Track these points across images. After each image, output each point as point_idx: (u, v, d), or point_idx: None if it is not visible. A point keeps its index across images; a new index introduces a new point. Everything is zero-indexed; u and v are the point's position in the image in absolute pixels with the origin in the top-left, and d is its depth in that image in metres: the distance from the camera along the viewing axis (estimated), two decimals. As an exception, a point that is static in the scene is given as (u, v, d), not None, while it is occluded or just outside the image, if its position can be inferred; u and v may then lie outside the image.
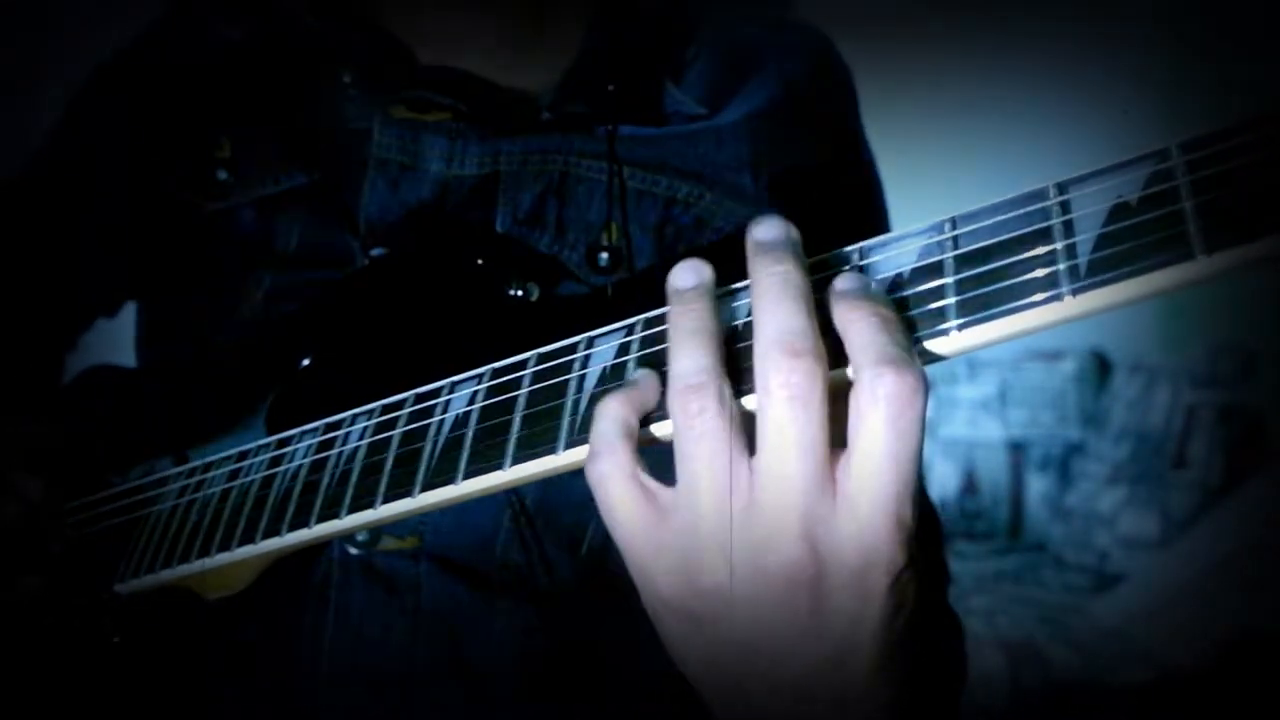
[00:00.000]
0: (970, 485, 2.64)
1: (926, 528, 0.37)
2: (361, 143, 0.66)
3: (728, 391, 0.36)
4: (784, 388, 0.34)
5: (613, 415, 0.38)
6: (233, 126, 0.69)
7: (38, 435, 0.64)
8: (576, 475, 0.63)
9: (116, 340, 0.79)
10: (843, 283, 0.37)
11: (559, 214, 0.64)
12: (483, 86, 0.68)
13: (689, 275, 0.39)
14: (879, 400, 0.33)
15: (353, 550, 0.62)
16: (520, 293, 0.60)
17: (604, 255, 0.63)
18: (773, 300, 0.36)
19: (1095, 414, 2.58)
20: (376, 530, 0.61)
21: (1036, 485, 2.62)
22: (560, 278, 0.63)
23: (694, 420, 0.36)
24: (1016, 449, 2.64)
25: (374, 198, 0.64)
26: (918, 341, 0.35)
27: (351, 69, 0.67)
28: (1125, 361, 2.57)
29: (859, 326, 0.35)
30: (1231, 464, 2.24)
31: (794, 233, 0.38)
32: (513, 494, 0.62)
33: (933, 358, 0.36)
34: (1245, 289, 2.23)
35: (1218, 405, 2.29)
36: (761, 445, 0.35)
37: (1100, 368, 2.63)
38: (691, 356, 0.37)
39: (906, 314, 0.36)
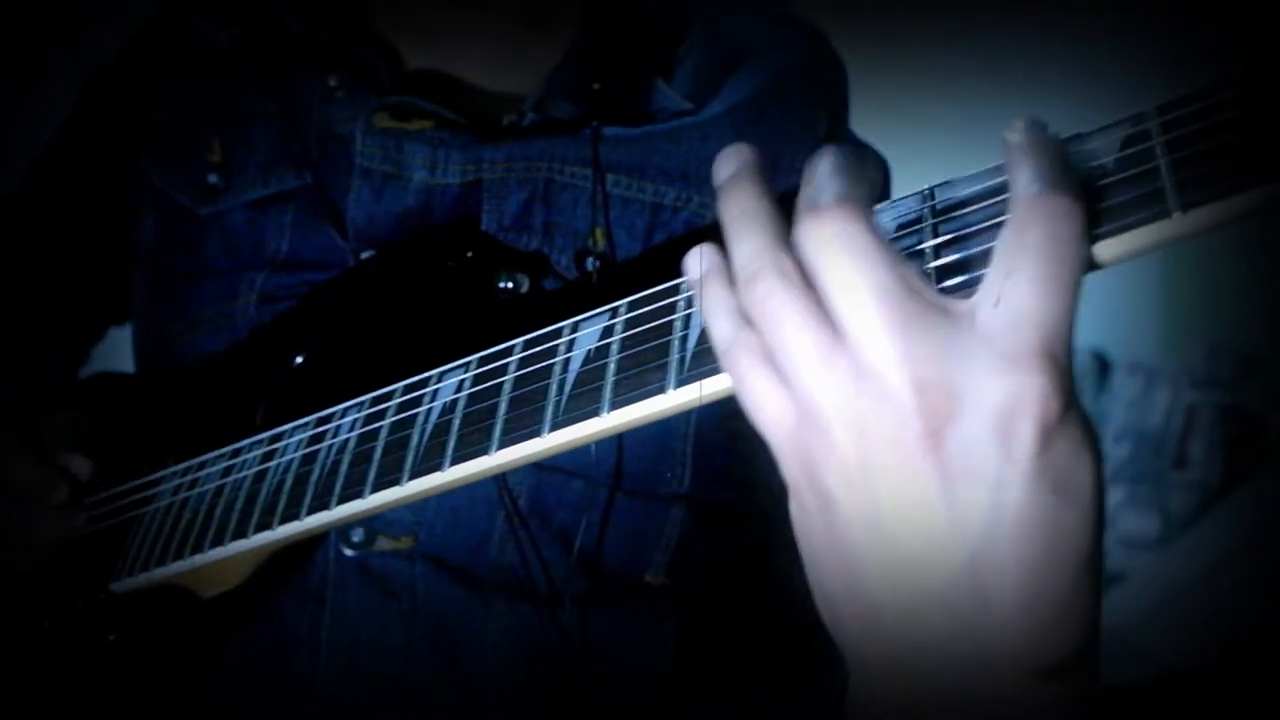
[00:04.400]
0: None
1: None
2: (348, 146, 0.65)
3: (789, 263, 0.33)
4: (827, 233, 0.31)
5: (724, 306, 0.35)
6: (222, 129, 0.69)
7: (74, 422, 0.64)
8: (570, 476, 0.63)
9: (118, 348, 0.79)
10: (1019, 124, 0.33)
11: (545, 220, 0.64)
12: (466, 91, 0.68)
13: (728, 161, 0.37)
14: (1034, 216, 0.30)
15: (348, 552, 0.62)
16: (510, 285, 0.60)
17: (591, 260, 0.63)
18: (810, 174, 0.34)
19: (1095, 414, 2.58)
20: (372, 532, 0.62)
21: (1036, 485, 2.61)
22: (549, 271, 0.63)
23: (764, 307, 0.33)
24: (1016, 449, 2.64)
25: (359, 206, 0.64)
26: None
27: (337, 73, 0.66)
28: (1125, 361, 2.57)
29: (1022, 155, 0.31)
30: (1231, 464, 2.23)
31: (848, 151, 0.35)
32: (506, 494, 0.62)
33: None
34: (1245, 289, 2.23)
35: (1218, 405, 2.29)
36: (836, 304, 0.31)
37: (1100, 368, 2.63)
38: (743, 243, 0.34)
39: None
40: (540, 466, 0.63)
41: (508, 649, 0.62)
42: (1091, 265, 0.32)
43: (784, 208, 0.38)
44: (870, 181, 0.33)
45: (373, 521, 0.62)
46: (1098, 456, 0.30)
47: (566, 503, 0.64)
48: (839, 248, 0.31)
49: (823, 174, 0.34)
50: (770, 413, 0.34)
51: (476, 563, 0.62)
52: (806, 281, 0.32)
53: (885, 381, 0.30)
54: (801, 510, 0.34)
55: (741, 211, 0.35)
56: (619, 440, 0.60)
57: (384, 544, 0.62)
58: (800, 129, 0.67)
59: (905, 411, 0.30)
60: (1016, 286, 0.29)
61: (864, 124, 0.73)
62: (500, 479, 0.62)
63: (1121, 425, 2.46)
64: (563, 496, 0.64)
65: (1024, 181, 0.31)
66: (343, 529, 0.61)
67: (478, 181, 0.64)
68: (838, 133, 0.70)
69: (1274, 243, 2.16)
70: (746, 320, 0.34)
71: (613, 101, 0.66)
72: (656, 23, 0.70)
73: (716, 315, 0.35)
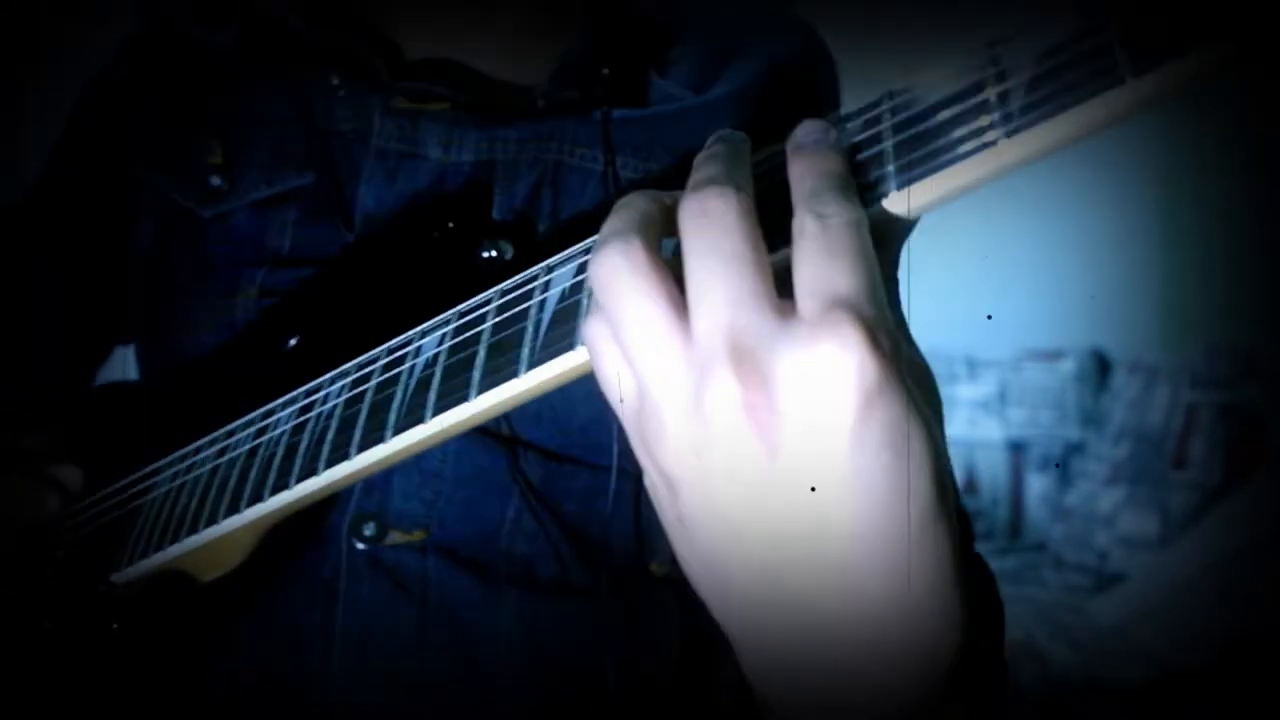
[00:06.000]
0: (970, 485, 2.63)
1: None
2: (351, 144, 0.66)
3: (639, 243, 0.33)
4: (697, 215, 0.32)
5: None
6: (224, 132, 0.69)
7: (59, 437, 0.65)
8: (579, 465, 0.64)
9: (123, 364, 0.80)
10: (795, 135, 0.36)
11: (554, 205, 0.64)
12: (478, 78, 0.68)
13: (717, 134, 0.37)
14: (805, 228, 0.32)
15: (360, 545, 0.62)
16: (494, 253, 0.60)
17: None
18: (693, 171, 0.35)
19: (1095, 414, 2.58)
20: (383, 525, 0.62)
21: (1036, 485, 2.61)
22: (533, 239, 0.63)
23: (606, 283, 0.33)
24: (1016, 449, 2.64)
25: (371, 189, 0.65)
26: (863, 204, 0.34)
27: (339, 71, 0.67)
28: (1125, 361, 2.57)
29: (798, 175, 0.34)
30: (1231, 464, 2.23)
31: (737, 135, 0.37)
32: (519, 473, 0.63)
33: (881, 222, 0.35)
34: (1245, 289, 2.23)
35: (1218, 405, 2.29)
36: (687, 281, 0.32)
37: (1100, 367, 2.63)
38: (604, 226, 0.35)
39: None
40: (549, 456, 0.63)
41: (520, 640, 0.62)
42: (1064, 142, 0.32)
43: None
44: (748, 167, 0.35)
45: (384, 515, 0.62)
46: (934, 405, 0.31)
47: (575, 493, 0.64)
48: (703, 223, 0.32)
49: (702, 159, 0.35)
50: (617, 391, 0.34)
51: (487, 553, 0.63)
52: (656, 261, 0.33)
53: (707, 352, 0.31)
54: (653, 489, 0.35)
55: (623, 200, 0.36)
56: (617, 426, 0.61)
57: (396, 537, 0.62)
58: (801, 114, 0.68)
59: (723, 383, 0.30)
60: (804, 273, 0.31)
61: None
62: (514, 463, 0.63)
63: (1121, 425, 2.46)
64: (571, 487, 0.64)
65: (801, 199, 0.33)
66: (354, 523, 0.62)
67: (490, 161, 0.65)
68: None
69: (1274, 242, 2.16)
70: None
71: (620, 86, 0.67)
72: (652, 21, 0.71)
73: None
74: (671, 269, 0.34)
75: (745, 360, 0.30)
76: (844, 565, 0.30)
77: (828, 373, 0.29)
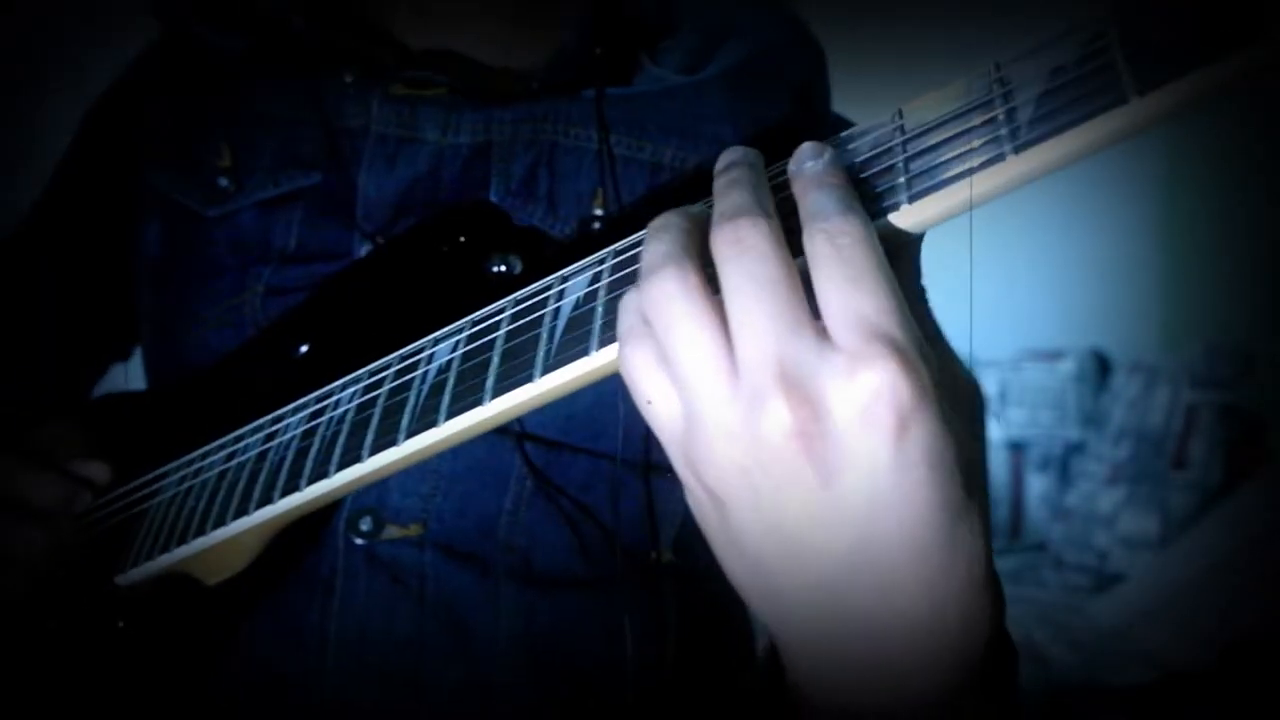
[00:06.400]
0: (970, 485, 2.64)
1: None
2: (357, 137, 0.66)
3: (691, 267, 0.34)
4: (732, 244, 0.34)
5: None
6: (232, 133, 0.69)
7: (67, 433, 0.65)
8: (576, 452, 0.64)
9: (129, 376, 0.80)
10: (796, 158, 0.37)
11: (550, 187, 0.65)
12: (476, 66, 0.69)
13: (731, 153, 0.39)
14: (816, 244, 0.33)
15: (357, 540, 0.62)
16: (503, 268, 0.60)
17: (597, 225, 0.64)
18: (717, 195, 0.36)
19: (1095, 414, 2.58)
20: (380, 520, 0.62)
21: (1036, 485, 2.62)
22: (542, 250, 0.64)
23: (659, 308, 0.34)
24: (1016, 449, 2.64)
25: (371, 176, 0.65)
26: (875, 217, 0.35)
27: (348, 70, 0.67)
28: (1125, 361, 2.57)
29: (800, 194, 0.35)
30: (1231, 464, 2.23)
31: (751, 154, 0.39)
32: (528, 463, 0.63)
33: (893, 235, 0.36)
34: (1245, 289, 2.24)
35: (1218, 405, 2.29)
36: (728, 310, 0.33)
37: (1100, 368, 2.64)
38: (653, 248, 0.36)
39: (862, 197, 0.36)
40: (547, 444, 0.64)
41: (518, 635, 0.62)
42: (1060, 164, 0.33)
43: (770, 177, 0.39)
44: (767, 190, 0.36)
45: (381, 510, 0.62)
46: (966, 412, 0.33)
47: (573, 481, 0.64)
48: (739, 251, 0.33)
49: (724, 184, 0.36)
50: (661, 412, 0.35)
51: (485, 547, 0.63)
52: (706, 289, 0.34)
53: (757, 380, 0.32)
54: (698, 504, 0.36)
55: (662, 223, 0.37)
56: (623, 411, 0.61)
57: (393, 532, 0.62)
58: (789, 97, 0.69)
59: (776, 413, 0.32)
60: (828, 296, 0.32)
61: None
62: (521, 450, 0.63)
63: (1121, 425, 2.46)
64: (569, 475, 0.64)
65: (809, 216, 0.34)
66: (351, 519, 0.62)
67: (487, 144, 0.65)
68: (823, 113, 0.72)
69: (1273, 242, 2.16)
70: (644, 320, 0.35)
71: (613, 69, 0.67)
72: (648, 17, 0.72)
73: (627, 309, 0.36)
74: None
75: (794, 389, 0.32)
76: (887, 573, 0.32)
77: (868, 400, 0.31)
